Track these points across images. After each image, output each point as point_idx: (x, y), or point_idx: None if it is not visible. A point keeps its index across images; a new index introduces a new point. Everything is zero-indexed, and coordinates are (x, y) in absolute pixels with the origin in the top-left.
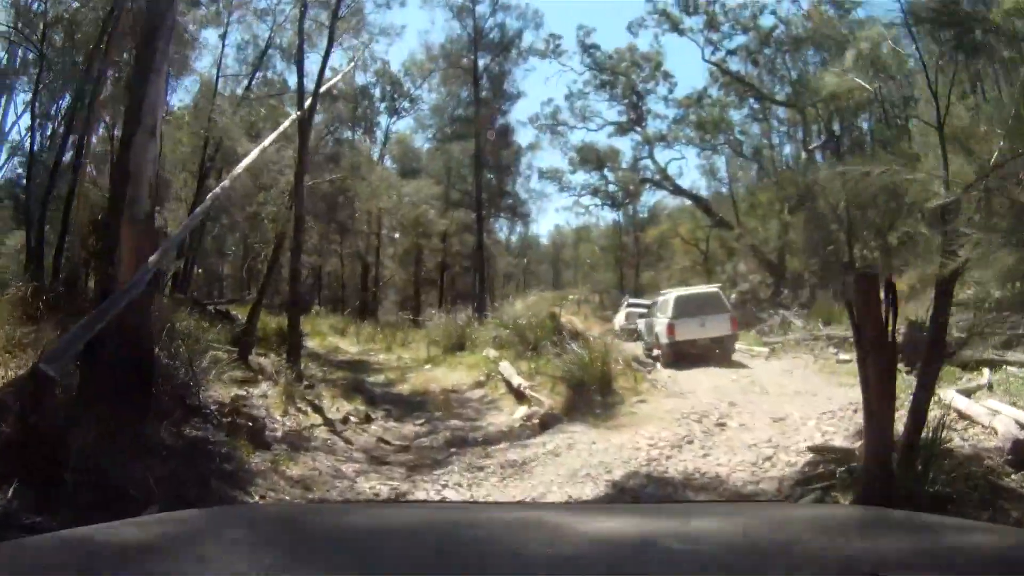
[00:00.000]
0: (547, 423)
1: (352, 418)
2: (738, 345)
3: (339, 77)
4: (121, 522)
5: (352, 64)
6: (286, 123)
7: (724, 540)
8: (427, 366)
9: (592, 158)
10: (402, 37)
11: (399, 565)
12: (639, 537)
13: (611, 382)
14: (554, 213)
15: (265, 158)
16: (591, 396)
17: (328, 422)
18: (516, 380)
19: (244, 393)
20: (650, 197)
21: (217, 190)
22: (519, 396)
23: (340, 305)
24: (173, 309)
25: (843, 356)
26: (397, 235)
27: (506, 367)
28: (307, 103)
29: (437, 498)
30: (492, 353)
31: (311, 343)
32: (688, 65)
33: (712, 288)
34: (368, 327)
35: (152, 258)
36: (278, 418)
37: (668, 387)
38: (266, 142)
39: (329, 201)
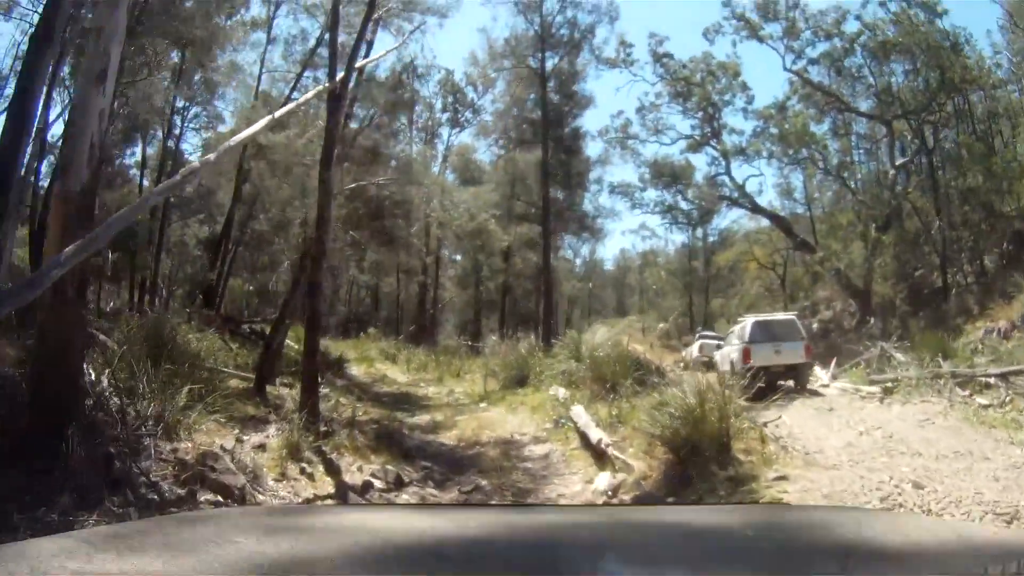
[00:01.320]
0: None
1: (376, 482)
2: (843, 384)
3: (383, 53)
4: (120, 524)
5: (402, 41)
6: (310, 94)
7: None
8: (482, 404)
9: (667, 173)
10: (458, 10)
11: (399, 566)
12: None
13: (730, 443)
14: (620, 236)
15: (296, 154)
16: (704, 464)
17: (341, 489)
18: (595, 433)
19: (231, 444)
20: (724, 218)
21: (196, 164)
22: (598, 454)
23: (397, 327)
24: (198, 328)
25: (982, 400)
26: (458, 256)
27: (579, 413)
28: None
29: None
30: (561, 392)
31: (355, 370)
32: (763, 77)
33: (788, 315)
34: (421, 353)
35: (69, 249)
36: (269, 483)
37: (789, 444)
38: (278, 113)
39: (375, 207)
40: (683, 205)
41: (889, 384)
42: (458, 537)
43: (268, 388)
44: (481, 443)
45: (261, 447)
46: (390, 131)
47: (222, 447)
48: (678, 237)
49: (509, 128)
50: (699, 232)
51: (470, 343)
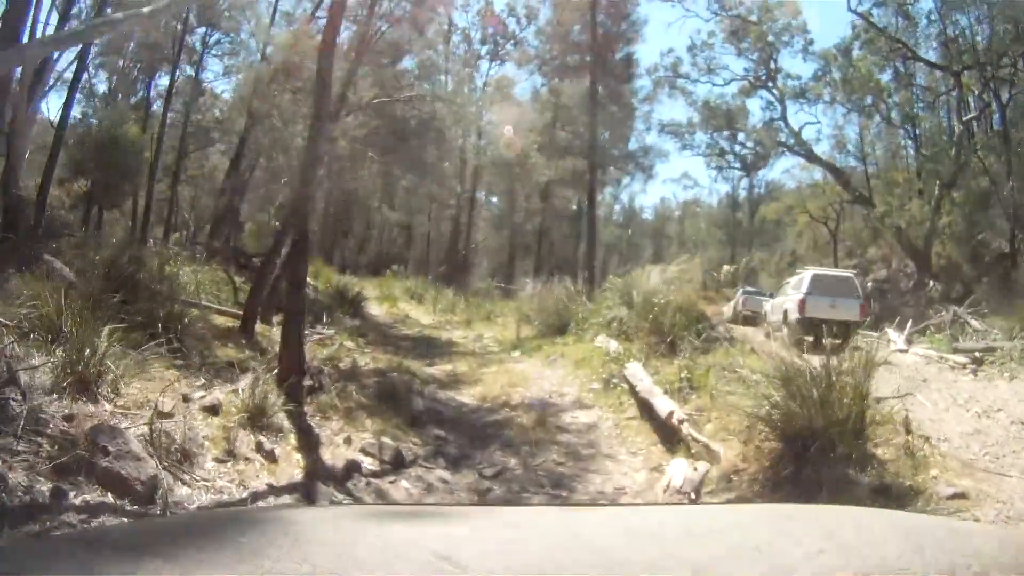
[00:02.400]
0: None
1: (367, 461)
2: (924, 350)
3: None
4: (121, 523)
5: None
6: None
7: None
8: (514, 353)
9: (720, 115)
10: None
11: (399, 566)
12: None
13: (865, 434)
14: (660, 185)
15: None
16: (834, 465)
17: (313, 475)
18: (663, 403)
19: (171, 405)
20: (772, 169)
21: (116, 15)
22: (662, 427)
23: (427, 267)
24: (202, 261)
25: None
26: (494, 199)
27: (638, 373)
28: None
29: None
30: (611, 345)
31: (375, 309)
32: (824, 18)
33: (847, 272)
34: (450, 294)
35: None
36: (208, 466)
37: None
38: None
39: (401, 127)
40: (736, 149)
41: (978, 354)
42: None
43: (260, 328)
44: (510, 405)
45: (212, 409)
46: (415, 27)
47: (156, 408)
48: (723, 187)
49: (554, 53)
50: (744, 183)
51: (503, 285)
